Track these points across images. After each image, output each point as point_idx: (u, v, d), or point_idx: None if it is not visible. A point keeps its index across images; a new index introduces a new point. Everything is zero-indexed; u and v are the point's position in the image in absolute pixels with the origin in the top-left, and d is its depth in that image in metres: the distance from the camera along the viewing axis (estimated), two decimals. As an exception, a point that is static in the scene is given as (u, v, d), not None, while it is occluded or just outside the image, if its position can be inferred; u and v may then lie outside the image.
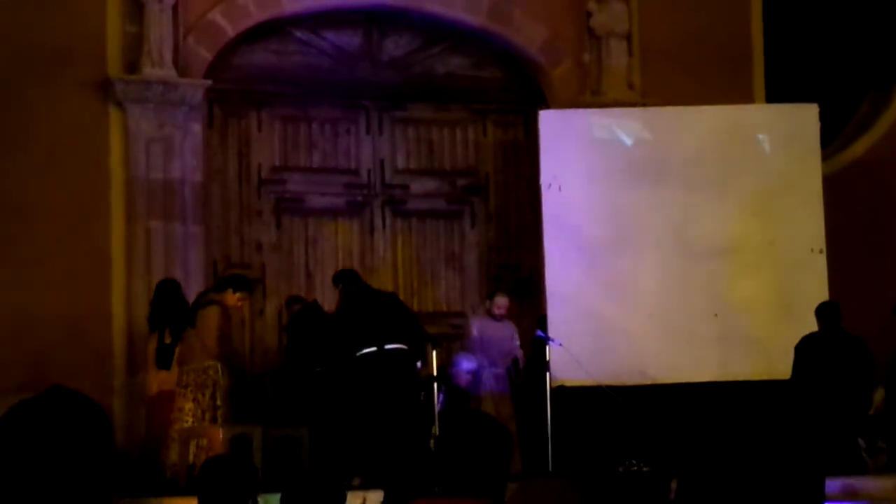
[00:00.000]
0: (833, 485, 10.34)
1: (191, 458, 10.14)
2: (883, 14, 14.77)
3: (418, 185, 13.41)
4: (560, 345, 11.39)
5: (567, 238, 12.15)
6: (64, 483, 2.36)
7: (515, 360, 12.07)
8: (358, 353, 10.88)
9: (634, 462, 9.83)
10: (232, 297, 10.69)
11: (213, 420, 10.35)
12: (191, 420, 10.35)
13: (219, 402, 10.39)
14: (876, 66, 14.54)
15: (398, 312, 11.21)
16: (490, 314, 12.23)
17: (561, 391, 11.53)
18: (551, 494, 3.55)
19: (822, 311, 11.40)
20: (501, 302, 12.24)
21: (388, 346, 10.83)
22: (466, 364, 12.03)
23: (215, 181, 12.68)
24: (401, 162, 13.38)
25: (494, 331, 12.10)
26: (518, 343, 12.17)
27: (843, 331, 11.39)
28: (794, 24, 14.52)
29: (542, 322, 12.04)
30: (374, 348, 10.83)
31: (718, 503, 2.80)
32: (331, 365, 11.17)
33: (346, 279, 11.49)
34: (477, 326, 12.10)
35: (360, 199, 13.24)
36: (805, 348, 11.26)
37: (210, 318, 10.46)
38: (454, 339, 12.98)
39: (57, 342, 11.42)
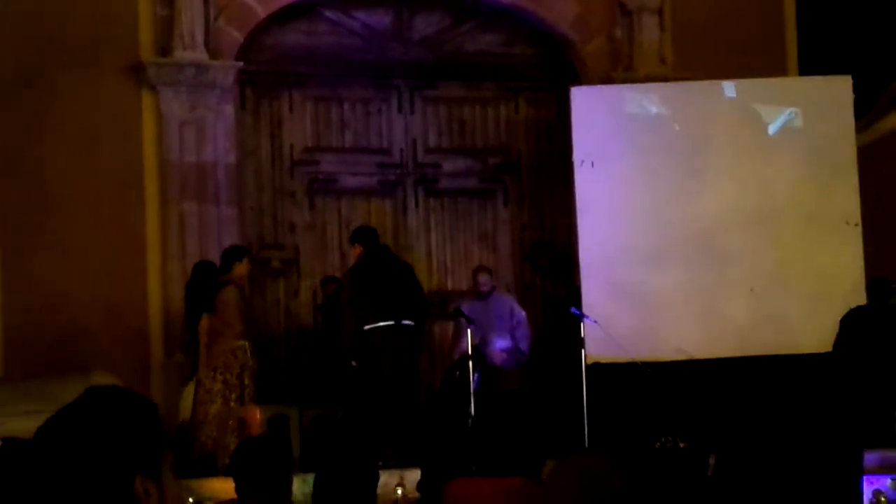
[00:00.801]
0: (870, 458, 10.31)
1: (228, 438, 10.20)
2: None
3: (450, 164, 13.40)
4: (595, 321, 11.37)
5: (600, 215, 12.12)
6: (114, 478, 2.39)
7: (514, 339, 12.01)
8: (368, 326, 10.74)
9: (671, 438, 9.82)
10: (241, 268, 10.73)
11: (241, 400, 10.40)
12: (219, 401, 10.41)
13: (246, 382, 10.45)
14: (910, 36, 14.44)
15: (411, 285, 11.11)
16: (478, 293, 12.20)
17: (596, 367, 11.52)
18: (588, 472, 3.55)
19: (872, 286, 11.35)
20: (482, 279, 12.24)
21: (403, 322, 10.77)
22: (501, 343, 12.03)
23: (248, 163, 12.71)
24: (433, 141, 13.37)
25: (485, 309, 12.03)
26: (520, 317, 12.09)
27: (892, 306, 11.32)
28: (827, -5, 14.44)
29: (573, 295, 12.03)
30: (390, 322, 10.73)
31: (757, 478, 2.80)
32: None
33: (364, 239, 11.25)
34: (466, 308, 12.05)
35: (392, 178, 13.25)
36: (850, 321, 11.19)
37: (229, 298, 10.50)
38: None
39: (94, 325, 11.50)
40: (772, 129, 12.34)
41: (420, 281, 11.61)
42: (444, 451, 4.58)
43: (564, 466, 3.64)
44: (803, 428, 2.76)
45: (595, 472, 3.56)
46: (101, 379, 8.95)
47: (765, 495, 2.76)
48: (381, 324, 10.72)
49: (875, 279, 11.44)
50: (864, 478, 9.79)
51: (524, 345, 12.17)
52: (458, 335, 11.79)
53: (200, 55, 12.01)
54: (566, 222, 12.84)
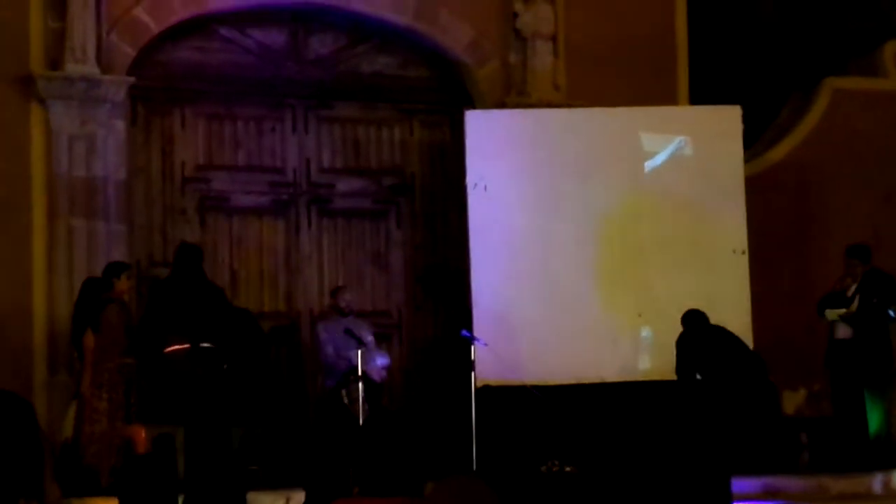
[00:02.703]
0: (754, 484, 10.45)
1: (113, 457, 10.07)
2: (805, 17, 14.95)
3: (344, 185, 13.37)
4: (485, 344, 11.41)
5: (492, 238, 12.20)
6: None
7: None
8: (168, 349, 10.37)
9: (557, 462, 9.87)
10: (121, 284, 10.67)
11: (127, 419, 10.30)
12: (105, 421, 10.29)
13: (132, 400, 10.35)
14: (798, 68, 14.70)
15: (218, 307, 10.74)
16: (338, 310, 12.14)
17: (486, 390, 11.55)
18: (467, 494, 3.55)
19: (686, 318, 11.40)
20: (347, 297, 12.23)
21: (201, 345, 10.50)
22: (381, 360, 12.01)
23: (139, 179, 12.57)
24: (327, 161, 13.33)
25: (341, 328, 11.91)
26: (370, 342, 11.98)
27: (713, 327, 11.41)
28: (719, 25, 14.66)
29: (463, 317, 12.06)
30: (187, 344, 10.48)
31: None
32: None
33: (176, 256, 10.92)
34: (323, 327, 12.00)
35: (285, 197, 13.18)
36: (681, 346, 11.35)
37: (111, 317, 10.44)
38: (380, 339, 12.95)
39: (-24, 341, 11.29)
40: (661, 157, 12.50)
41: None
42: (327, 471, 4.56)
43: (445, 487, 3.64)
44: (666, 452, 2.79)
45: (474, 494, 3.57)
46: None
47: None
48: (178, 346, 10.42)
49: (688, 311, 11.46)
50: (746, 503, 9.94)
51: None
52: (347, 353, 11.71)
53: (91, 69, 11.86)
54: (459, 244, 12.85)
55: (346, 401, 11.39)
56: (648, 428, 10.80)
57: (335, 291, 12.43)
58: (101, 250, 11.83)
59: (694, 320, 11.35)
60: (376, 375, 11.85)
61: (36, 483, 2.07)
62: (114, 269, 10.79)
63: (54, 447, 10.78)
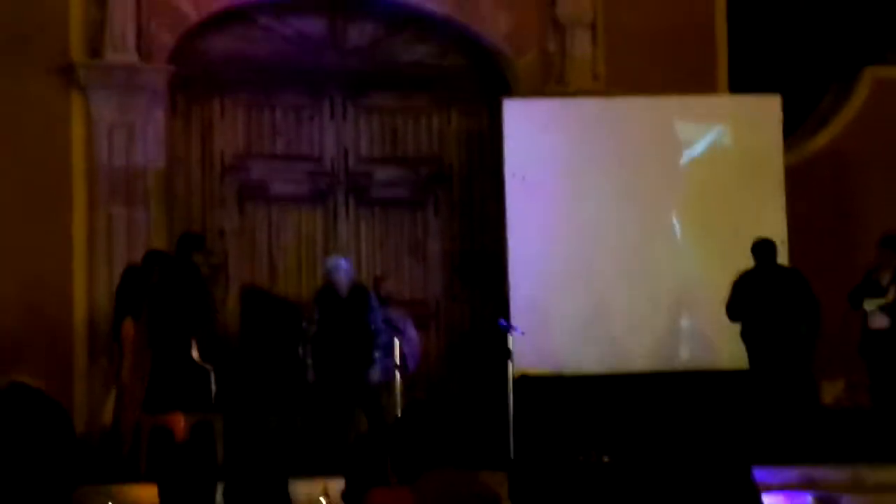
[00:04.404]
0: (791, 474, 10.41)
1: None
2: (845, 5, 14.85)
3: (382, 174, 13.38)
4: (522, 333, 11.40)
5: (530, 227, 12.19)
6: (24, 476, 2.34)
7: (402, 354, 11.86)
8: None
9: (594, 452, 9.86)
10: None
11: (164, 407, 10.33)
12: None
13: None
14: (839, 57, 14.61)
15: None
16: (379, 299, 12.05)
17: (524, 380, 11.55)
18: (456, 485, 3.57)
19: (757, 248, 11.46)
20: (387, 286, 12.21)
21: None
22: (411, 361, 11.98)
23: (178, 168, 12.63)
24: (364, 150, 13.35)
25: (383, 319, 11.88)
26: (407, 331, 11.94)
27: (779, 267, 11.48)
28: (759, 14, 14.58)
29: (501, 306, 12.06)
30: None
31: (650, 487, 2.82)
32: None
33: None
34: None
35: (323, 186, 13.21)
36: (741, 283, 11.36)
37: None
38: (418, 328, 12.97)
39: (17, 327, 11.36)
40: (700, 147, 12.46)
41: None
42: (366, 460, 4.58)
43: (431, 477, 3.66)
44: (697, 442, 2.79)
45: (465, 486, 3.58)
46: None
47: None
48: None
49: (760, 240, 11.52)
50: (786, 493, 9.91)
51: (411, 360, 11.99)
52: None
53: (131, 58, 11.93)
54: (496, 234, 12.86)
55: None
56: (685, 419, 10.79)
57: (377, 280, 12.43)
58: (140, 239, 11.89)
59: (762, 252, 11.34)
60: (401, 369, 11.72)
61: (68, 481, 2.09)
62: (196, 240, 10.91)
63: (93, 435, 10.88)
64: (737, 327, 11.50)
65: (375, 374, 11.40)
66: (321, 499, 9.26)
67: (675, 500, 2.79)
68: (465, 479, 3.62)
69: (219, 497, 5.13)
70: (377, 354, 11.37)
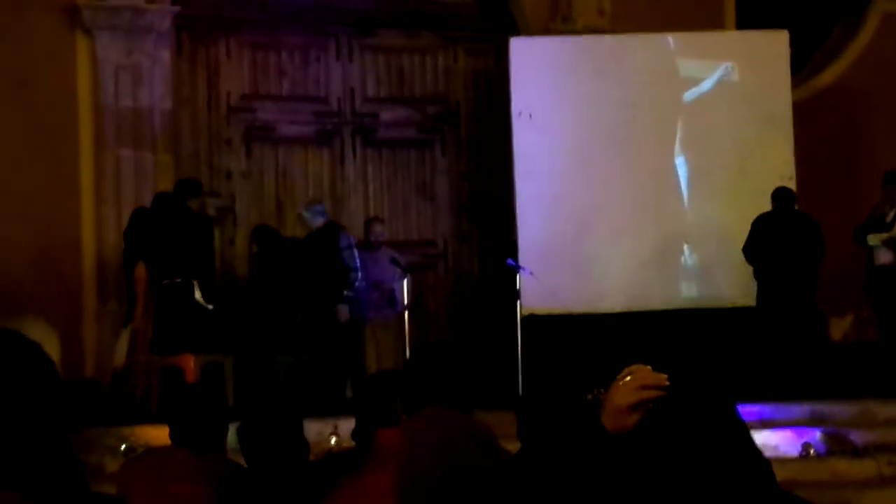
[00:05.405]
0: (800, 410, 10.45)
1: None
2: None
3: (388, 114, 13.36)
4: (530, 273, 11.42)
5: (537, 167, 12.16)
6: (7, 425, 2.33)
7: (391, 292, 11.84)
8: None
9: (602, 390, 9.88)
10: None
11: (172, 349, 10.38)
12: None
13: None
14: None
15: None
16: (369, 244, 12.03)
17: (532, 319, 11.58)
18: (449, 424, 3.58)
19: (777, 195, 11.51)
20: (377, 229, 12.15)
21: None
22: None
23: (184, 109, 12.60)
24: (371, 90, 13.31)
25: (373, 260, 11.83)
26: (399, 269, 11.79)
27: (796, 212, 11.54)
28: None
29: (510, 246, 12.07)
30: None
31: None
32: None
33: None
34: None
35: (329, 127, 13.18)
36: (760, 225, 11.43)
37: None
38: (426, 269, 12.99)
39: (25, 270, 11.38)
40: (708, 84, 12.40)
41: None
42: (376, 400, 4.60)
43: (419, 417, 3.68)
44: (687, 380, 2.79)
45: (451, 422, 3.59)
46: (33, 325, 8.88)
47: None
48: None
49: (780, 188, 11.58)
50: (794, 429, 9.94)
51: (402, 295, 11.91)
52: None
53: (136, -1, 11.88)
54: (504, 173, 12.84)
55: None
56: (692, 356, 10.81)
57: (367, 222, 12.38)
58: (147, 180, 11.88)
59: (781, 198, 11.41)
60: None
61: (58, 429, 2.05)
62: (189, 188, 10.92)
63: (105, 376, 10.93)
64: (744, 265, 11.51)
65: (344, 311, 11.38)
66: (331, 438, 9.32)
67: (672, 437, 2.79)
68: (457, 419, 3.63)
69: (230, 437, 5.15)
70: (348, 293, 11.35)
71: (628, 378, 2.89)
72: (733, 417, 2.77)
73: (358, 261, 11.43)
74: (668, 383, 2.83)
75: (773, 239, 11.34)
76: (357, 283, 11.43)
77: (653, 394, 2.82)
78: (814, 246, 11.41)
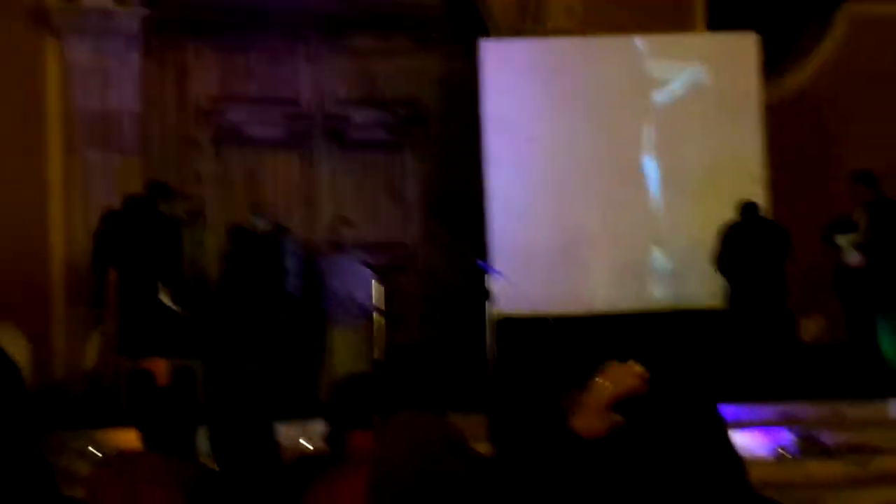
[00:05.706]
0: (771, 411, 10.48)
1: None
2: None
3: (359, 116, 13.33)
4: (501, 275, 11.40)
5: (508, 168, 12.17)
6: None
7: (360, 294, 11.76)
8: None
9: (575, 393, 9.88)
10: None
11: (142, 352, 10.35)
12: None
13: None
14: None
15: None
16: (337, 245, 12.03)
17: (504, 322, 11.57)
18: (420, 428, 3.56)
19: (743, 209, 11.59)
20: (344, 231, 12.12)
21: None
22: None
23: (153, 111, 12.55)
24: (341, 92, 13.29)
25: (339, 262, 11.88)
26: (368, 271, 11.72)
27: (762, 219, 11.61)
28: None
29: (480, 248, 12.07)
30: None
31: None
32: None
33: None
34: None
35: (300, 129, 13.15)
36: (728, 236, 11.49)
37: None
38: (396, 271, 12.97)
39: (-5, 274, 11.33)
40: (678, 85, 12.43)
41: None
42: (349, 403, 4.58)
43: (391, 423, 3.65)
44: (668, 381, 2.79)
45: (421, 426, 3.58)
46: (1, 329, 8.83)
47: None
48: None
49: (744, 204, 11.65)
50: (765, 430, 9.97)
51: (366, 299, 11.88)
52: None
53: (105, 1, 11.81)
54: (475, 176, 12.82)
55: None
56: (664, 358, 10.82)
57: (335, 224, 12.32)
58: (117, 183, 11.83)
59: (748, 211, 11.48)
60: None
61: (23, 436, 2.02)
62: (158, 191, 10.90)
63: (75, 380, 10.87)
64: (709, 266, 11.55)
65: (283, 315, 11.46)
66: (302, 441, 9.29)
67: (649, 438, 2.79)
68: (430, 422, 3.61)
69: (201, 441, 5.12)
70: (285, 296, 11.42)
71: (618, 367, 2.88)
72: (713, 417, 2.76)
73: (300, 267, 11.50)
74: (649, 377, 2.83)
75: (742, 248, 11.39)
76: (294, 291, 11.48)
77: (642, 386, 2.82)
78: (781, 250, 11.46)
